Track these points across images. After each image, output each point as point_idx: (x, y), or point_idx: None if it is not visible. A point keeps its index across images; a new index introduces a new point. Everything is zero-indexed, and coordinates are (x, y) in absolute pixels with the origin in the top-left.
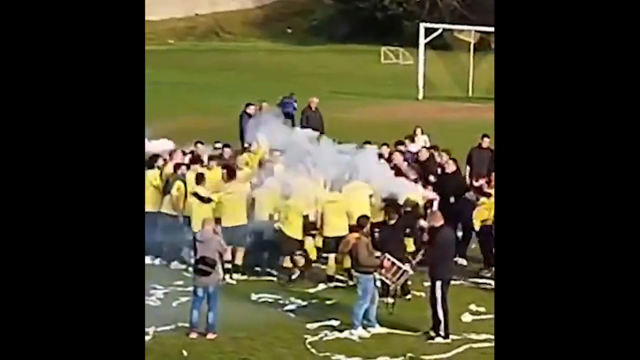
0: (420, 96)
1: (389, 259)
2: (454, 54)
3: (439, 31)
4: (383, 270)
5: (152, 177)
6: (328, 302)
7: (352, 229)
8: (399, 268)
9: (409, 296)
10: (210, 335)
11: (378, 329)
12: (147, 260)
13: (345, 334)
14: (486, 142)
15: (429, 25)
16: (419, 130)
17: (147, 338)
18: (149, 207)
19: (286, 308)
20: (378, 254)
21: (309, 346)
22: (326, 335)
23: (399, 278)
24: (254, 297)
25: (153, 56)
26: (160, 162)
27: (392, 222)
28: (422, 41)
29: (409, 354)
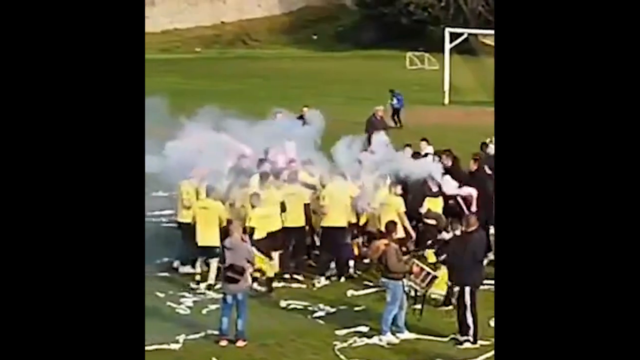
0: (446, 101)
1: (417, 265)
2: (479, 59)
3: (464, 36)
4: (412, 276)
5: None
6: (357, 309)
7: (380, 235)
8: (428, 273)
9: (450, 307)
10: (239, 343)
11: (407, 335)
12: (182, 269)
13: (374, 340)
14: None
15: (454, 30)
16: (423, 144)
17: (177, 346)
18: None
19: (315, 315)
20: (407, 259)
21: (338, 352)
22: (355, 341)
23: (428, 284)
24: (283, 303)
25: (181, 64)
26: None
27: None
28: (448, 46)
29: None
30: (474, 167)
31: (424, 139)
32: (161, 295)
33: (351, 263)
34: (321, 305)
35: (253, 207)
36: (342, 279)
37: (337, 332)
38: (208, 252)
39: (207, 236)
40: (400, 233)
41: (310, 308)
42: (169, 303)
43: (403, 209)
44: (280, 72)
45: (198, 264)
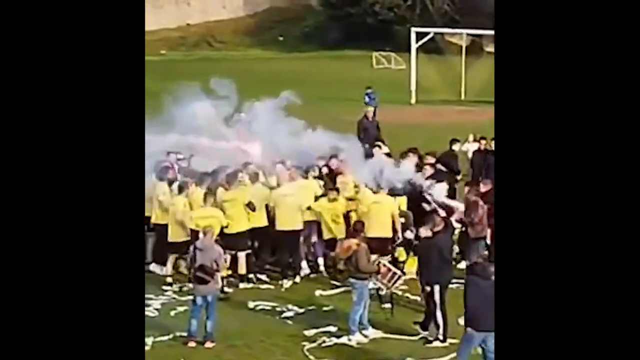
0: (413, 100)
1: (384, 265)
2: (446, 58)
3: (430, 35)
4: (379, 276)
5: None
6: (325, 309)
7: (349, 234)
8: (395, 273)
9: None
10: (208, 344)
11: (375, 333)
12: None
13: (344, 339)
14: (482, 144)
15: (420, 29)
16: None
17: (145, 348)
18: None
19: (284, 315)
20: (374, 259)
21: (307, 353)
22: (324, 341)
23: (394, 283)
24: (251, 304)
25: (147, 67)
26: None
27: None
28: (414, 45)
29: (408, 358)
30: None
31: (411, 149)
32: None
33: (320, 261)
34: (289, 306)
35: (221, 208)
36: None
37: (306, 333)
38: (178, 248)
39: (178, 233)
40: (386, 233)
41: (278, 309)
42: None
43: (397, 209)
44: (246, 73)
45: (169, 262)
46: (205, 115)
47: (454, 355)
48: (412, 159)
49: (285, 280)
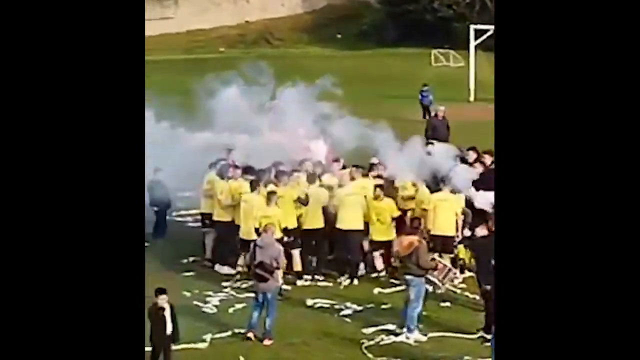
0: (472, 98)
1: (440, 261)
2: None
3: (490, 32)
4: (436, 272)
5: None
6: (384, 307)
7: (407, 232)
8: (450, 269)
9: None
10: (266, 342)
11: (434, 332)
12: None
13: (402, 337)
14: None
15: (479, 27)
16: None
17: (204, 345)
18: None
19: (342, 313)
20: (432, 256)
21: (365, 351)
22: (382, 339)
23: (449, 279)
24: (309, 302)
25: (205, 64)
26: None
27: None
28: (473, 43)
29: (466, 357)
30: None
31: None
32: (187, 294)
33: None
34: (348, 304)
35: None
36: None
37: (364, 331)
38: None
39: (247, 230)
40: (450, 231)
41: (337, 307)
42: (195, 302)
43: (460, 207)
44: (304, 70)
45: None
46: (259, 110)
47: None
48: (471, 157)
49: (343, 278)
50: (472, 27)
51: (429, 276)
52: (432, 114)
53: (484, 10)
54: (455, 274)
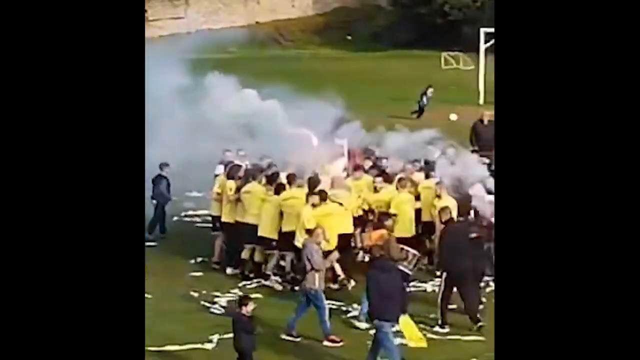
0: (482, 101)
1: (409, 250)
2: None
3: None
4: (406, 263)
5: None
6: None
7: (375, 225)
8: (419, 258)
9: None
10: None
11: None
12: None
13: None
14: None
15: (489, 30)
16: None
17: (210, 346)
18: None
19: (349, 315)
20: (401, 246)
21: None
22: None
23: (415, 266)
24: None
25: (215, 64)
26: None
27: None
28: (483, 46)
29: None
30: None
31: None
32: (195, 294)
33: None
34: (355, 305)
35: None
36: None
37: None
38: (266, 242)
39: (268, 228)
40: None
41: (344, 308)
42: (203, 302)
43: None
44: (315, 72)
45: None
46: (274, 114)
47: None
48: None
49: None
50: (482, 30)
51: (399, 266)
52: (477, 119)
53: (494, 14)
54: (422, 260)
